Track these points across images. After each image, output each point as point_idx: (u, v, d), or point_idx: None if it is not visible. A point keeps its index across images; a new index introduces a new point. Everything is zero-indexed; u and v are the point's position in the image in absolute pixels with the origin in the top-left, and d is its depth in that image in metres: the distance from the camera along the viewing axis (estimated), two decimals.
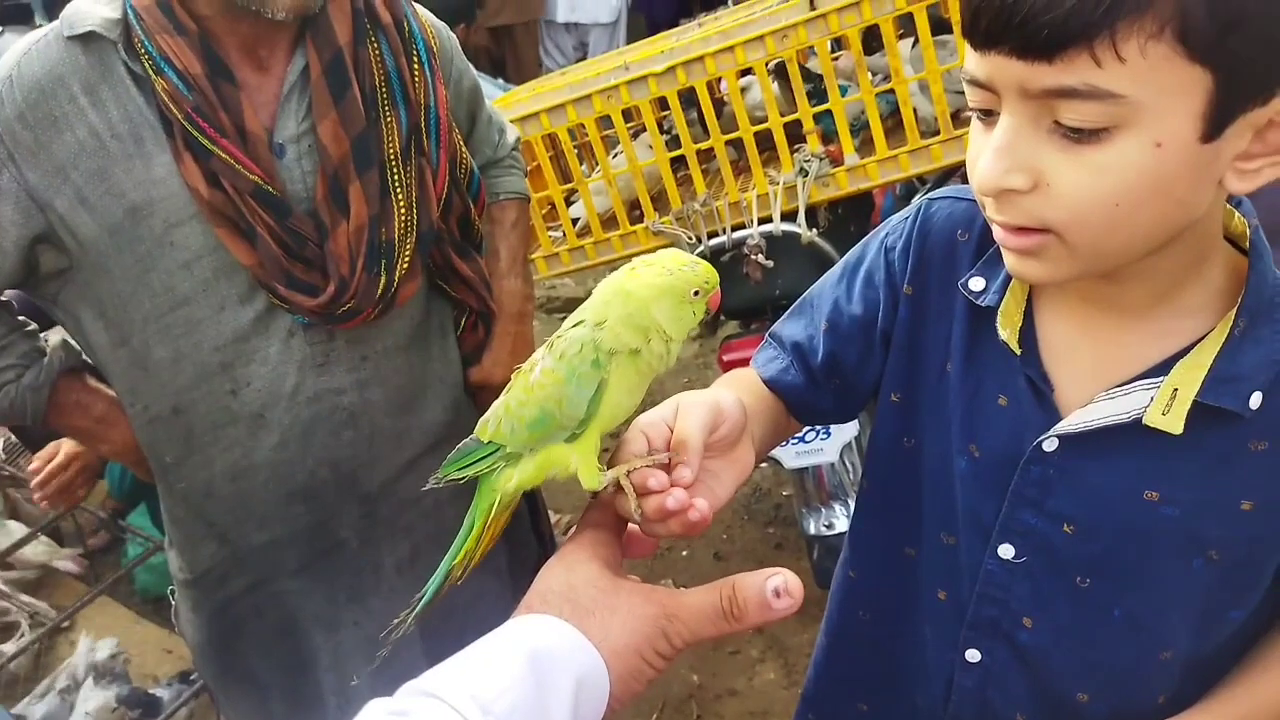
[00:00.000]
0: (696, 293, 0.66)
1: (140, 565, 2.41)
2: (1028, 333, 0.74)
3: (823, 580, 2.00)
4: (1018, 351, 0.73)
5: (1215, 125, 0.58)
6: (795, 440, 1.91)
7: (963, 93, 1.70)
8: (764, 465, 2.42)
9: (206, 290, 1.10)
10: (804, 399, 0.86)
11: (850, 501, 1.98)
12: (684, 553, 2.52)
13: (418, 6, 1.24)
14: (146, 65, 1.05)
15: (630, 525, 0.66)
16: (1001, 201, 0.63)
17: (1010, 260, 0.68)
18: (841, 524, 1.97)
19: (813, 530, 1.98)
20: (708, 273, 0.67)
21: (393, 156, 1.13)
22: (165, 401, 1.15)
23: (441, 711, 0.49)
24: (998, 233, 0.66)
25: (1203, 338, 0.68)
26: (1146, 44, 0.55)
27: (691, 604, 0.57)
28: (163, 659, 2.35)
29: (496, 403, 0.70)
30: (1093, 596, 0.74)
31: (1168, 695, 0.77)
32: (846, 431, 1.91)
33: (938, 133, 1.70)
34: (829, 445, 1.92)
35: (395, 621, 0.71)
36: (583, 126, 1.85)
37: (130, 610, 2.53)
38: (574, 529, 0.67)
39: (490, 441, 0.70)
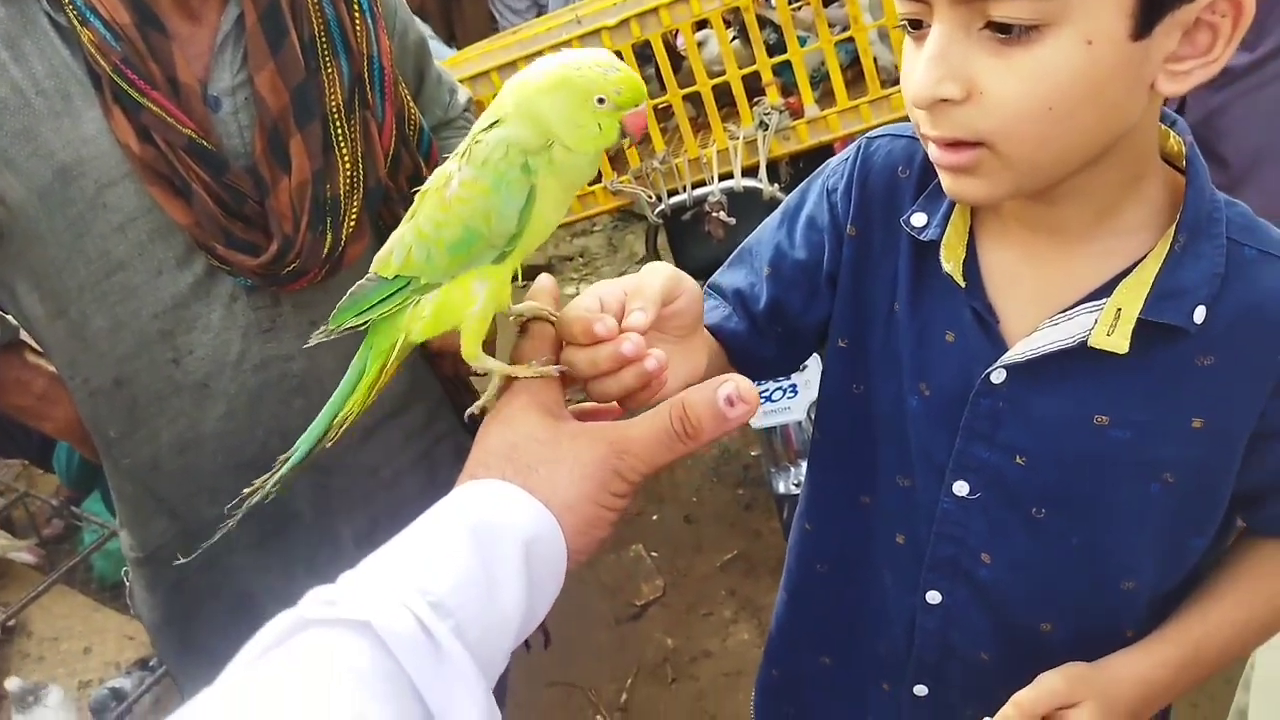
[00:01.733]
0: (602, 100, 0.56)
1: (97, 551, 2.35)
2: (971, 265, 0.73)
3: None
4: (962, 284, 0.72)
5: (1144, 22, 0.58)
6: (763, 399, 1.89)
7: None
8: None
9: (143, 254, 1.05)
10: (746, 347, 0.84)
11: None
12: (654, 517, 2.51)
13: None
14: (71, 16, 0.99)
15: (587, 404, 0.62)
16: (936, 114, 0.62)
17: (947, 181, 0.66)
18: None
19: (782, 489, 1.97)
20: (625, 83, 0.56)
21: (335, 109, 1.09)
22: (106, 373, 1.10)
23: (380, 599, 0.45)
24: (933, 152, 0.65)
25: (1144, 257, 0.67)
26: None
27: (641, 434, 0.53)
28: (124, 645, 2.30)
29: (399, 231, 0.61)
30: (1049, 527, 0.74)
31: (1136, 629, 0.76)
32: (814, 388, 1.90)
33: (898, 82, 1.67)
34: (795, 403, 1.90)
35: (255, 484, 0.64)
36: None
37: (88, 598, 2.47)
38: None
39: (397, 276, 0.61)
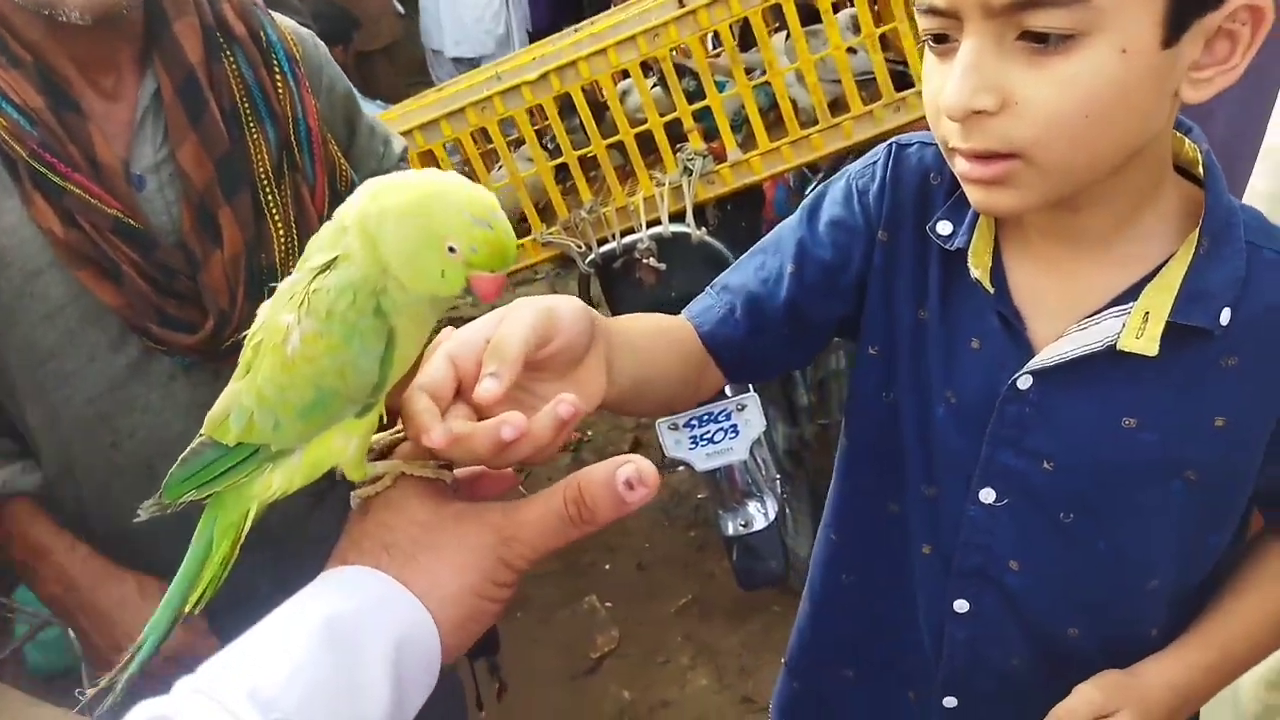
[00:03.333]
0: (453, 250, 0.47)
1: (30, 642, 2.24)
2: (997, 272, 0.74)
3: (745, 581, 1.98)
4: (990, 290, 0.73)
5: (1174, 30, 0.60)
6: (704, 441, 1.88)
7: (838, 81, 1.70)
8: (680, 468, 2.40)
9: (74, 340, 1.02)
10: (744, 349, 0.82)
11: (766, 498, 1.97)
12: (606, 567, 2.48)
13: (277, 15, 1.18)
14: None
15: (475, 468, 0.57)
16: (969, 126, 0.63)
17: (977, 194, 0.67)
18: (759, 521, 1.95)
19: (730, 531, 1.96)
20: (487, 244, 0.47)
21: (264, 176, 1.07)
22: (52, 462, 1.07)
23: (211, 713, 0.41)
24: (961, 166, 0.66)
25: (1164, 262, 0.69)
26: None
27: (531, 519, 0.49)
28: None
29: (232, 388, 0.53)
30: (1076, 531, 0.75)
31: (1159, 628, 0.78)
32: (754, 428, 1.89)
33: (817, 122, 1.70)
34: (738, 443, 1.90)
35: (102, 682, 0.55)
36: (459, 142, 1.80)
37: (23, 692, 2.35)
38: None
39: (240, 444, 0.53)
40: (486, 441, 0.49)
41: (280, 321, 0.51)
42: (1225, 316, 0.68)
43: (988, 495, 0.76)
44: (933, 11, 0.63)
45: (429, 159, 1.83)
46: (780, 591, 2.11)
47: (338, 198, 1.17)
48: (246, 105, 1.07)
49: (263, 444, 0.53)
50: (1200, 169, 0.70)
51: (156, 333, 1.02)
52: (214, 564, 0.56)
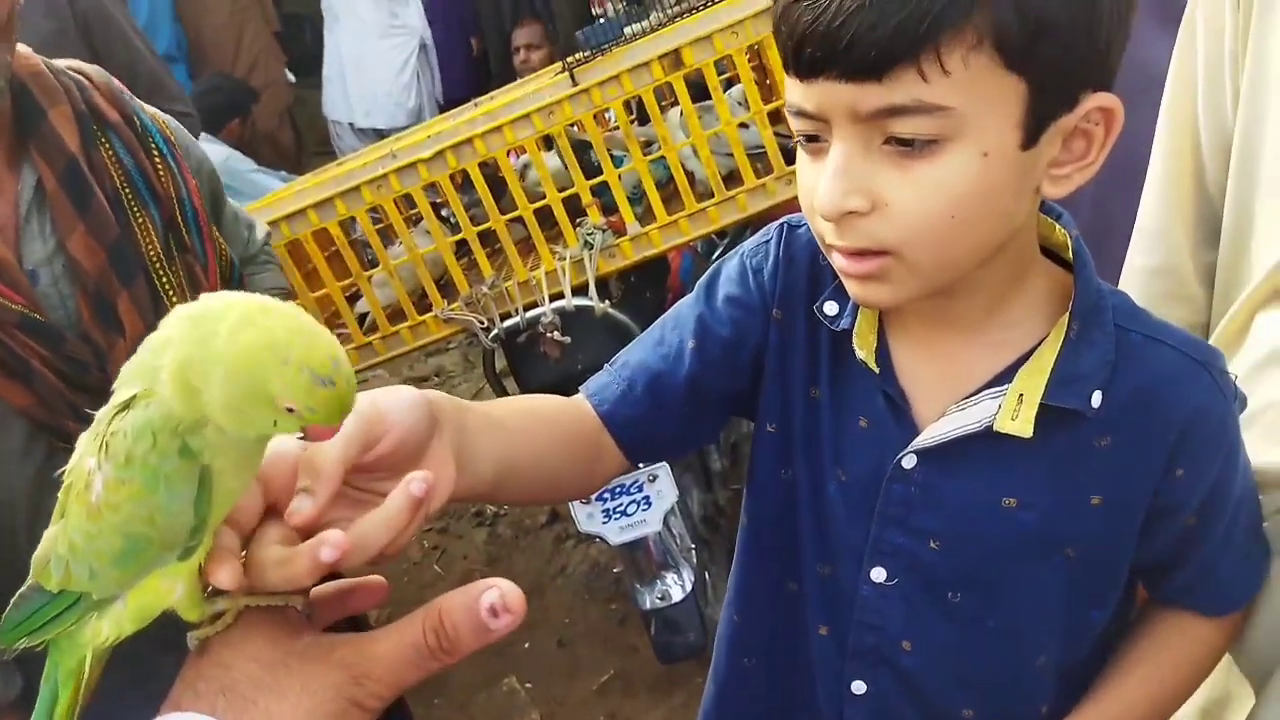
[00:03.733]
0: (291, 410, 0.44)
1: None
2: (882, 353, 0.75)
3: (665, 655, 1.95)
4: (876, 370, 0.74)
5: (1032, 132, 0.62)
6: (617, 514, 1.86)
7: (730, 155, 1.73)
8: (597, 540, 2.36)
9: None
10: (645, 427, 0.80)
11: (682, 569, 1.94)
12: (525, 645, 2.41)
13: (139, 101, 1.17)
14: None
15: (327, 589, 0.54)
16: (843, 226, 0.64)
17: (854, 288, 0.68)
18: (676, 593, 1.92)
19: (648, 605, 1.93)
20: (326, 404, 0.44)
21: (155, 258, 1.05)
22: None
23: None
24: (838, 261, 0.67)
25: (1036, 345, 0.71)
26: (968, 55, 0.58)
27: (387, 654, 0.47)
28: None
29: (49, 534, 0.50)
30: (965, 610, 0.75)
31: (1049, 705, 0.78)
32: (667, 498, 1.88)
33: (713, 194, 1.73)
34: (651, 515, 1.88)
35: None
36: (354, 219, 1.77)
37: None
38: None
39: (63, 592, 0.49)
40: (306, 565, 0.46)
41: (84, 466, 0.47)
42: (1097, 399, 0.69)
43: (879, 574, 0.77)
44: (802, 114, 0.65)
45: (324, 236, 1.80)
46: (701, 663, 2.07)
47: (224, 278, 1.16)
48: (128, 190, 1.06)
49: (85, 590, 0.49)
50: (1070, 254, 0.72)
51: (71, 428, 0.98)
52: (60, 713, 0.52)
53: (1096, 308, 0.71)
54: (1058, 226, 0.74)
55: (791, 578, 0.84)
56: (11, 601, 0.52)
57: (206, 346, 0.44)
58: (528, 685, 2.30)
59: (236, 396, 0.44)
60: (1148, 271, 0.96)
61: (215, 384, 0.44)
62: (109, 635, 0.50)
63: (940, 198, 0.61)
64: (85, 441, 0.48)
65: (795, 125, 0.66)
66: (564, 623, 2.46)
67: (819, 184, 0.64)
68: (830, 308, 0.76)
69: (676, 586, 1.93)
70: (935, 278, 0.66)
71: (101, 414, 0.48)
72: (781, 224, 0.82)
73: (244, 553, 0.50)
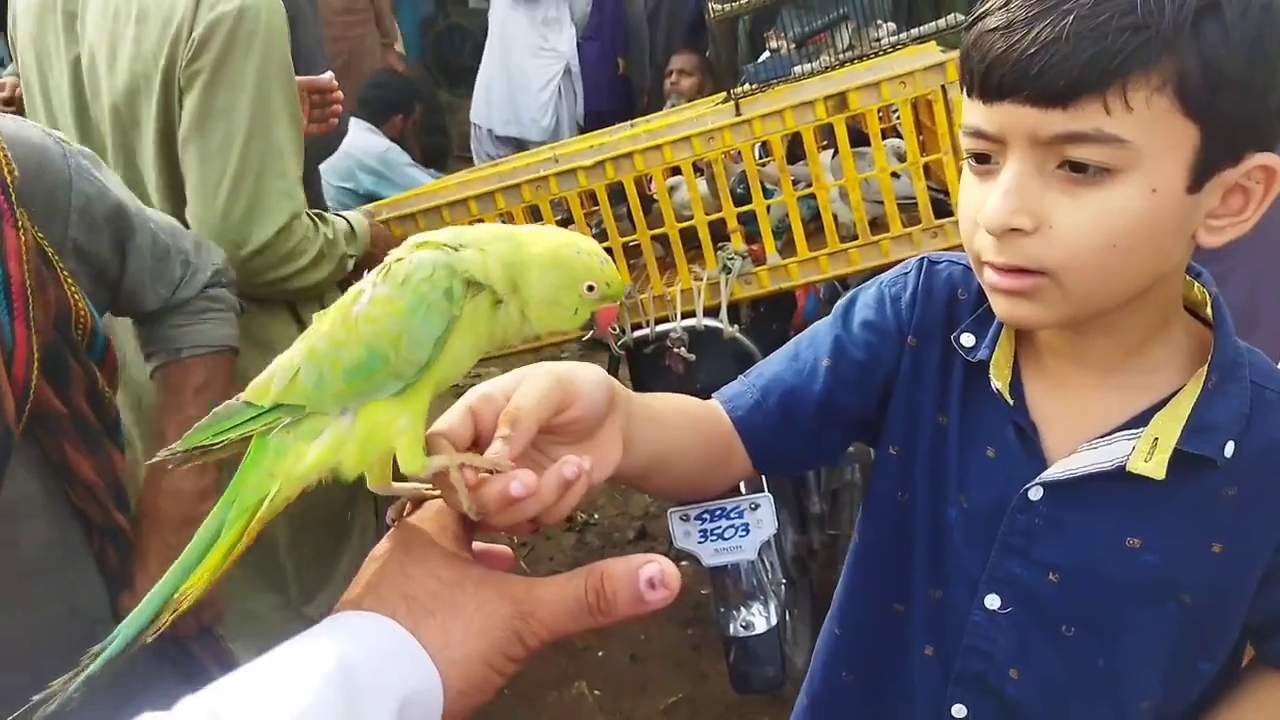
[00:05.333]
0: (591, 288, 0.54)
1: None
2: (1015, 386, 0.78)
3: (740, 684, 1.95)
4: (1010, 401, 0.77)
5: (1198, 178, 0.65)
6: (714, 537, 1.88)
7: (880, 202, 1.76)
8: (684, 563, 2.38)
9: None
10: (772, 439, 0.84)
11: (770, 601, 1.95)
12: (599, 654, 2.44)
13: (14, 122, 1.02)
14: None
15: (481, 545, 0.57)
16: (1004, 242, 0.67)
17: (1002, 304, 0.71)
18: (760, 624, 1.93)
19: (730, 631, 1.94)
20: (615, 279, 0.55)
21: None
22: None
23: None
24: (991, 276, 0.70)
25: (1174, 393, 0.73)
26: (1151, 96, 0.62)
27: (551, 599, 0.49)
28: None
29: (285, 354, 0.53)
30: (1078, 646, 0.76)
31: None
32: (766, 528, 1.89)
33: (856, 237, 1.76)
34: (748, 542, 1.89)
35: (51, 686, 0.50)
36: (511, 215, 1.87)
37: None
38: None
39: (277, 406, 0.52)
40: (495, 492, 0.51)
41: (362, 286, 0.54)
42: (1229, 449, 0.71)
43: (993, 602, 0.78)
44: (979, 135, 0.68)
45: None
46: (771, 700, 2.07)
47: (73, 348, 0.98)
48: None
49: (297, 404, 0.53)
50: (1209, 310, 0.75)
51: None
52: (216, 552, 0.53)
53: (1234, 363, 0.73)
54: (1197, 285, 0.76)
55: (899, 599, 0.85)
56: (204, 420, 0.54)
57: (521, 251, 0.54)
58: (596, 693, 2.33)
59: (552, 286, 0.54)
60: None
61: (534, 277, 0.53)
62: (310, 465, 0.52)
63: (1105, 225, 0.65)
64: (374, 274, 0.54)
65: (968, 145, 0.70)
66: (639, 639, 2.48)
67: (988, 199, 0.67)
68: (967, 339, 0.79)
69: (761, 618, 1.93)
70: (1084, 305, 0.69)
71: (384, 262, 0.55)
72: (921, 259, 0.86)
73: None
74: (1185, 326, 0.76)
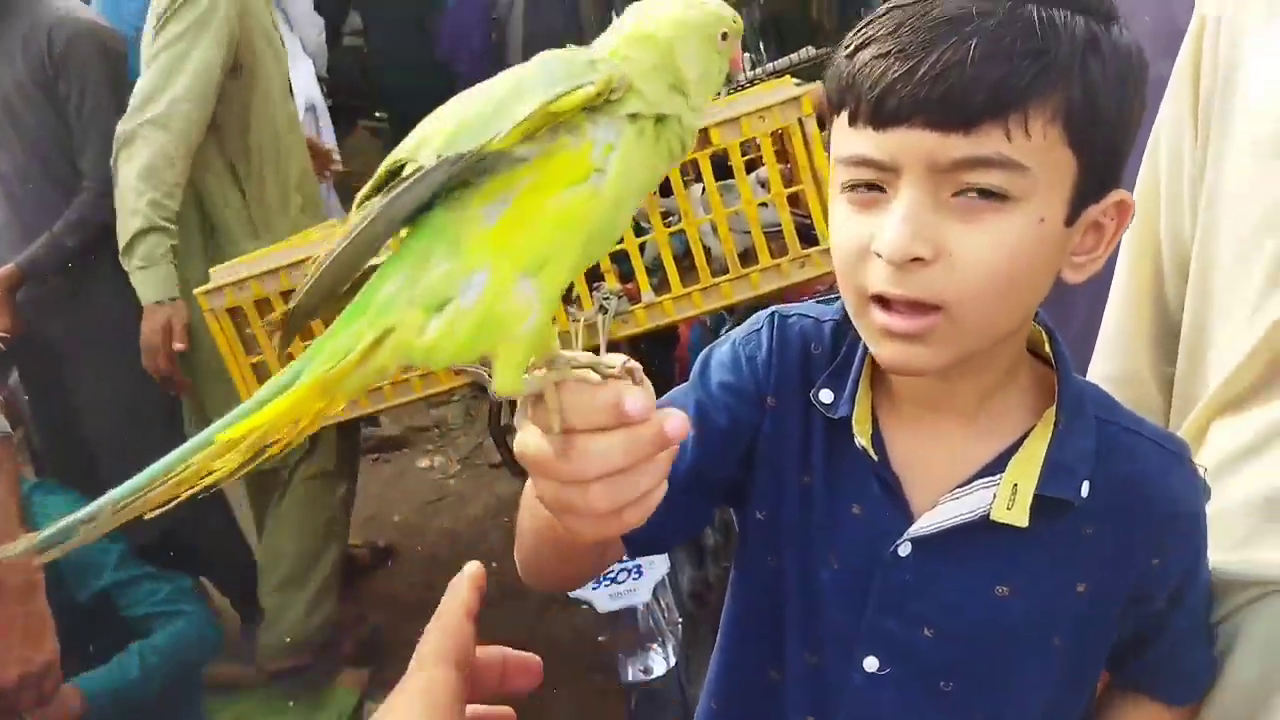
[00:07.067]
0: (724, 36, 0.51)
1: None
2: (876, 439, 0.76)
3: None
4: (875, 457, 0.74)
5: (1074, 211, 0.66)
6: (606, 581, 1.85)
7: (748, 233, 1.76)
8: (583, 606, 2.33)
9: None
10: (644, 526, 0.79)
11: (668, 643, 1.92)
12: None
13: None
14: None
15: (491, 652, 0.51)
16: (904, 272, 0.65)
17: (892, 350, 0.68)
18: (659, 667, 1.89)
19: (630, 677, 1.90)
20: (729, 9, 0.52)
21: None
22: None
23: None
24: (881, 319, 0.67)
25: (1023, 436, 0.73)
26: (1046, 125, 0.62)
27: None
28: None
29: (405, 141, 0.47)
30: (956, 699, 0.75)
31: None
32: (658, 569, 1.87)
33: (728, 270, 1.76)
34: (642, 584, 1.86)
35: (60, 524, 0.41)
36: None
37: None
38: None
39: (433, 167, 0.43)
40: (603, 401, 0.49)
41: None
42: (1085, 489, 0.72)
43: (871, 664, 0.76)
44: (868, 163, 0.66)
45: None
46: None
47: None
48: None
49: (474, 145, 0.44)
50: (1048, 348, 0.75)
51: None
52: (271, 409, 0.43)
53: (1079, 399, 0.73)
54: (1033, 323, 0.76)
55: (775, 666, 0.82)
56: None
57: (654, 42, 0.49)
58: None
59: (698, 50, 0.50)
60: (1110, 380, 1.00)
61: (681, 57, 0.49)
62: (434, 334, 0.45)
63: (1002, 253, 0.64)
64: None
65: (851, 175, 0.67)
66: (550, 691, 2.41)
67: (885, 228, 0.64)
68: (826, 395, 0.77)
69: (660, 660, 1.90)
70: (972, 343, 0.68)
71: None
72: (771, 313, 0.83)
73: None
74: (1029, 366, 0.77)
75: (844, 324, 0.79)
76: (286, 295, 1.75)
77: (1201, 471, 0.77)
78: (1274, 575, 0.79)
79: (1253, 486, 0.81)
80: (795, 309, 0.83)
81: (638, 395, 0.48)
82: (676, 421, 0.50)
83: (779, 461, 0.80)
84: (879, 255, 0.65)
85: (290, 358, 0.46)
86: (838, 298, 0.77)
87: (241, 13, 2.05)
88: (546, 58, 0.47)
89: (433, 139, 0.45)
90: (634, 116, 0.47)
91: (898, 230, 0.64)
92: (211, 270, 1.81)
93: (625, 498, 0.51)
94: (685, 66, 0.49)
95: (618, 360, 0.51)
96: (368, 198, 0.46)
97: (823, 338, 0.80)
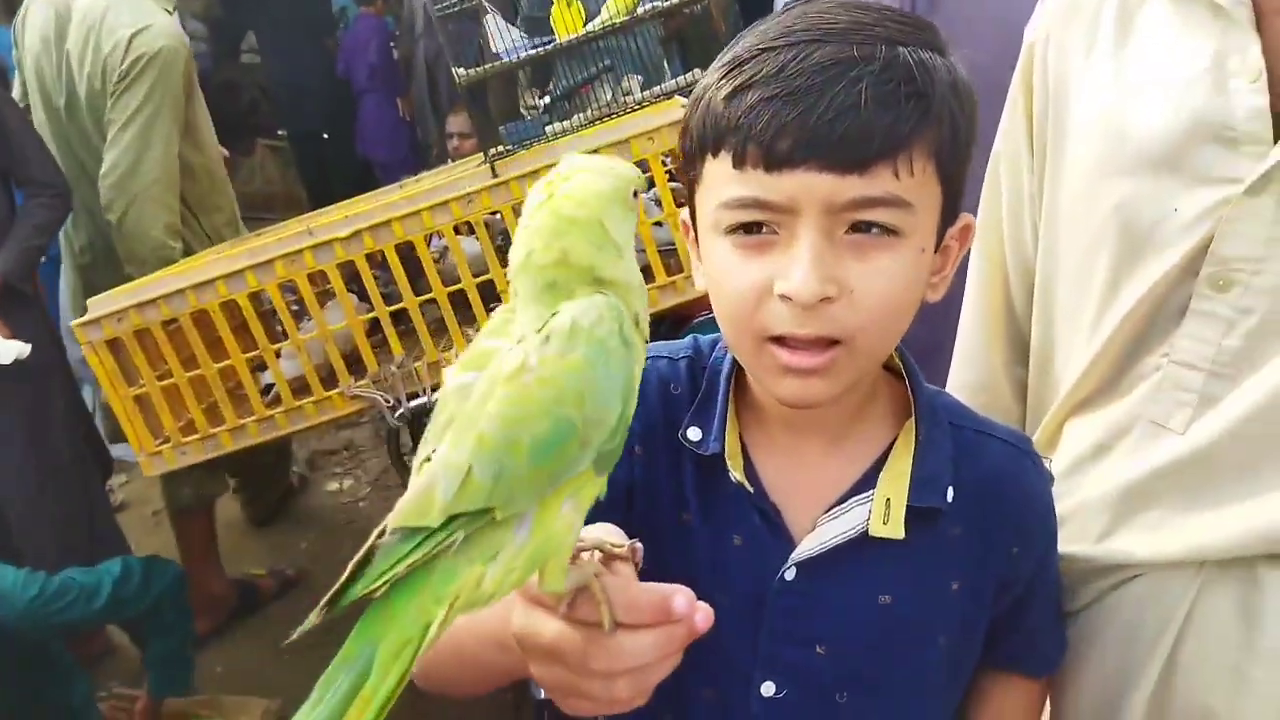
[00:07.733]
0: (636, 193, 0.53)
1: None
2: (749, 470, 0.77)
3: None
4: (750, 489, 0.76)
5: (939, 238, 0.70)
6: None
7: (643, 251, 1.79)
8: None
9: None
10: None
11: None
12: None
13: None
14: None
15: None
16: (811, 313, 0.65)
17: (792, 386, 0.69)
18: None
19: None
20: (631, 167, 0.54)
21: None
22: None
23: None
24: (784, 357, 0.67)
25: (886, 450, 0.76)
26: (924, 162, 0.66)
27: None
28: None
29: (433, 462, 0.45)
30: (850, 710, 0.77)
31: None
32: None
33: None
34: None
35: None
36: (264, 294, 1.78)
37: None
38: None
39: (450, 519, 0.43)
40: (650, 601, 0.51)
41: (506, 360, 0.46)
42: (949, 494, 0.76)
43: (768, 688, 0.77)
44: (759, 205, 0.66)
45: (233, 305, 1.79)
46: None
47: None
48: None
49: (482, 505, 0.44)
50: (898, 361, 0.79)
51: None
52: (374, 702, 0.43)
53: (932, 408, 0.78)
54: None
55: (669, 709, 0.81)
56: (347, 572, 0.45)
57: (581, 226, 0.49)
58: None
59: (620, 217, 0.50)
60: (968, 387, 1.06)
61: (610, 228, 0.50)
62: (494, 583, 0.44)
63: (896, 285, 0.67)
64: (486, 347, 0.48)
65: (737, 217, 0.67)
66: (458, 703, 2.39)
67: (792, 271, 0.65)
68: (694, 433, 0.77)
69: None
70: (867, 369, 0.71)
71: (492, 323, 0.48)
72: None
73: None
74: (884, 380, 0.80)
75: (697, 359, 0.81)
76: (167, 324, 1.72)
77: (1047, 463, 0.82)
78: (1133, 559, 0.85)
79: (1109, 482, 0.87)
80: (651, 351, 0.84)
81: (687, 598, 0.49)
82: (704, 615, 0.51)
83: (656, 504, 0.80)
84: (785, 297, 0.65)
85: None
86: (687, 333, 0.79)
87: (186, 63, 2.30)
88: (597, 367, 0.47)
89: (483, 452, 0.45)
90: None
91: (807, 273, 0.64)
92: (89, 302, 1.76)
93: (647, 688, 0.52)
94: (615, 232, 0.50)
95: (623, 540, 0.53)
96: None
97: (679, 376, 0.81)
